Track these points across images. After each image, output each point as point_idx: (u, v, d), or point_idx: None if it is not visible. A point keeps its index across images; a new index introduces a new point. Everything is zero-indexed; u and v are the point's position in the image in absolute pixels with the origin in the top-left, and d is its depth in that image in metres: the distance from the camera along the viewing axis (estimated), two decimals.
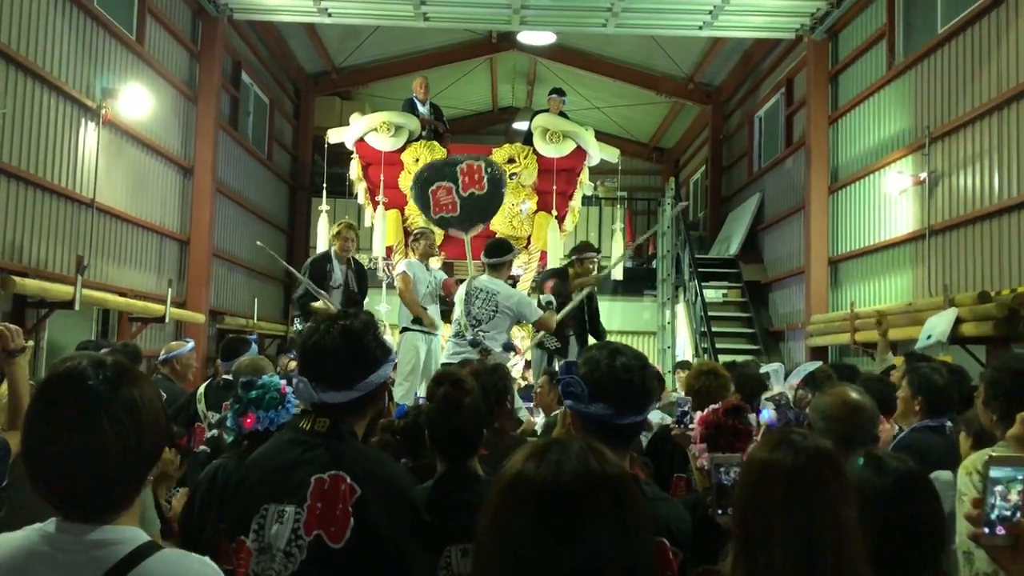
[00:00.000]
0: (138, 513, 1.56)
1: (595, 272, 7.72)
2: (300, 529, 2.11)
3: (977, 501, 1.61)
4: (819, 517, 1.63)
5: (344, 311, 2.40)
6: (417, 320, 7.33)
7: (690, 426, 2.96)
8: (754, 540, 1.67)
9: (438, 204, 7.83)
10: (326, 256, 7.74)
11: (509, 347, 7.23)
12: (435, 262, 8.34)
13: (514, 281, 8.78)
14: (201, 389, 5.49)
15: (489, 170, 7.91)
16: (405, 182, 9.05)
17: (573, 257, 7.88)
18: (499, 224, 9.42)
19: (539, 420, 5.75)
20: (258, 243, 7.80)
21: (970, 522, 1.62)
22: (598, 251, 8.04)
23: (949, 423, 3.81)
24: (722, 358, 10.07)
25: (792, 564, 1.62)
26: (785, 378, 3.64)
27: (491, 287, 6.48)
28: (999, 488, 1.59)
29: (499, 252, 6.57)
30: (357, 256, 8.04)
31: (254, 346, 6.09)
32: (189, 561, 1.51)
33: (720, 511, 2.23)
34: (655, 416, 5.10)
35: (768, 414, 3.50)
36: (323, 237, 9.80)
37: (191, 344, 6.24)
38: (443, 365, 6.00)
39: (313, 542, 2.10)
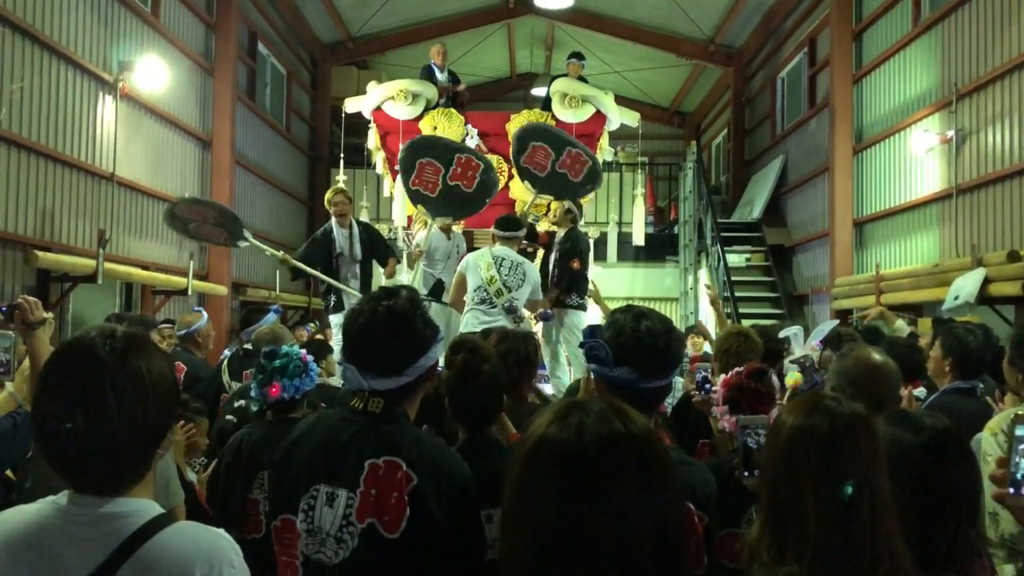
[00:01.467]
0: (151, 485, 1.54)
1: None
2: (352, 515, 2.04)
3: (1003, 461, 1.57)
4: (855, 485, 1.60)
5: (387, 288, 2.25)
6: (436, 291, 7.33)
7: (712, 390, 2.92)
8: (785, 507, 1.64)
9: (420, 177, 7.70)
10: (329, 229, 7.74)
11: (546, 316, 7.19)
12: (457, 228, 8.32)
13: (536, 249, 8.77)
14: (225, 361, 5.54)
15: (485, 173, 7.78)
16: None
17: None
18: (518, 191, 9.37)
19: (547, 388, 5.76)
20: (279, 259, 7.56)
21: (994, 482, 1.59)
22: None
23: (981, 385, 3.75)
24: (745, 322, 9.99)
25: (825, 532, 1.59)
26: (804, 340, 3.59)
27: (515, 256, 6.54)
28: None
29: (512, 227, 6.81)
30: (375, 224, 8.04)
31: (274, 315, 6.10)
32: (203, 533, 1.50)
33: (747, 473, 2.20)
34: (677, 383, 5.07)
35: (794, 376, 3.46)
36: None
37: (205, 315, 6.25)
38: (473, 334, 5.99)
39: (366, 530, 2.03)
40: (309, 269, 7.59)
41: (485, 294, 6.41)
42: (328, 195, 7.83)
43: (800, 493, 1.62)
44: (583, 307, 7.40)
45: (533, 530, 1.29)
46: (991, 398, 3.61)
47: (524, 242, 7.92)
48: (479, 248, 7.37)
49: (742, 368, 2.79)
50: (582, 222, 8.65)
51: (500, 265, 6.45)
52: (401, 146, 8.12)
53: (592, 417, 1.33)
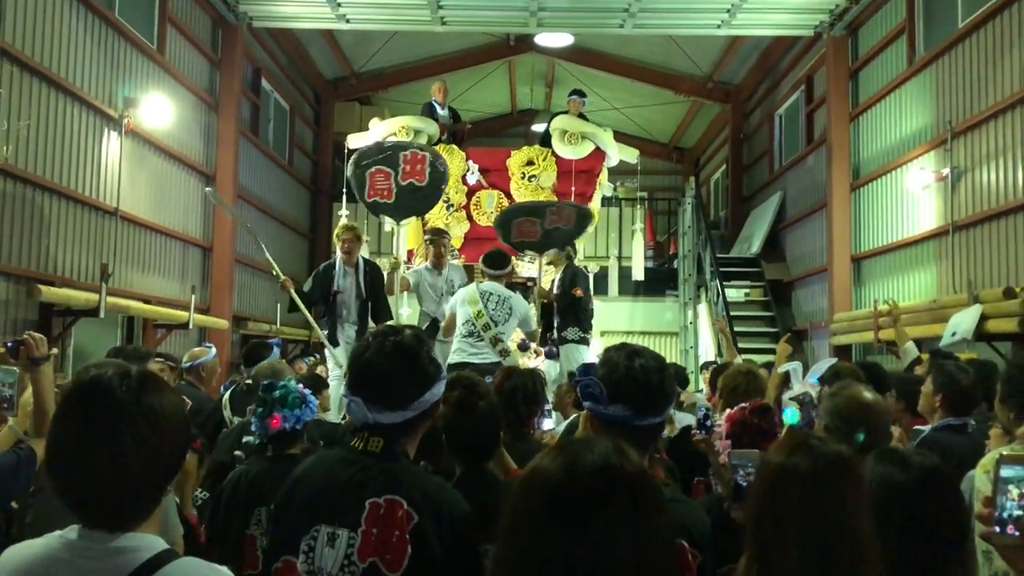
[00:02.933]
0: (158, 521, 1.58)
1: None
2: (354, 555, 2.04)
3: (988, 500, 1.60)
4: (835, 523, 1.63)
5: (392, 326, 2.31)
6: (433, 329, 7.37)
7: (715, 428, 2.95)
8: (769, 543, 1.68)
9: (373, 188, 7.69)
10: (332, 264, 7.58)
11: (524, 346, 7.34)
12: (456, 262, 8.38)
13: (532, 282, 8.85)
14: (226, 395, 5.54)
15: (433, 162, 7.79)
16: None
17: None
18: None
19: (549, 422, 5.79)
20: (280, 281, 7.36)
21: (981, 521, 1.61)
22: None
23: (972, 422, 3.77)
24: (745, 357, 9.99)
25: (808, 569, 1.62)
26: (803, 376, 3.62)
27: (502, 291, 6.69)
28: (1011, 487, 1.58)
29: (500, 265, 6.94)
30: (376, 259, 8.03)
31: (276, 350, 6.12)
32: (205, 570, 1.53)
33: (736, 505, 2.23)
34: (679, 416, 5.09)
35: (793, 413, 3.48)
36: None
37: (214, 350, 6.28)
38: (456, 366, 6.06)
39: (368, 569, 2.03)
40: (301, 304, 7.37)
41: (473, 327, 6.56)
42: (337, 231, 7.66)
43: (783, 530, 1.65)
44: (585, 341, 7.45)
45: (522, 559, 1.31)
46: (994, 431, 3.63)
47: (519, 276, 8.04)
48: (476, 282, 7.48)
49: (746, 404, 2.82)
50: (580, 257, 8.73)
51: (487, 300, 6.58)
52: (348, 163, 8.09)
53: (592, 451, 1.35)
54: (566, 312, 7.45)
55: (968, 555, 2.07)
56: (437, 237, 7.91)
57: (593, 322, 7.79)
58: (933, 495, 1.90)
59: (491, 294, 6.63)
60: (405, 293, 8.09)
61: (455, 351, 6.59)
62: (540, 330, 7.48)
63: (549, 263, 7.93)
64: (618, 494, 1.31)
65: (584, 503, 1.29)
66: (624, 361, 2.21)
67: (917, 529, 1.85)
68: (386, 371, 2.16)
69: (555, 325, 7.54)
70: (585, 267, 8.54)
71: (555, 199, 9.64)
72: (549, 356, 7.70)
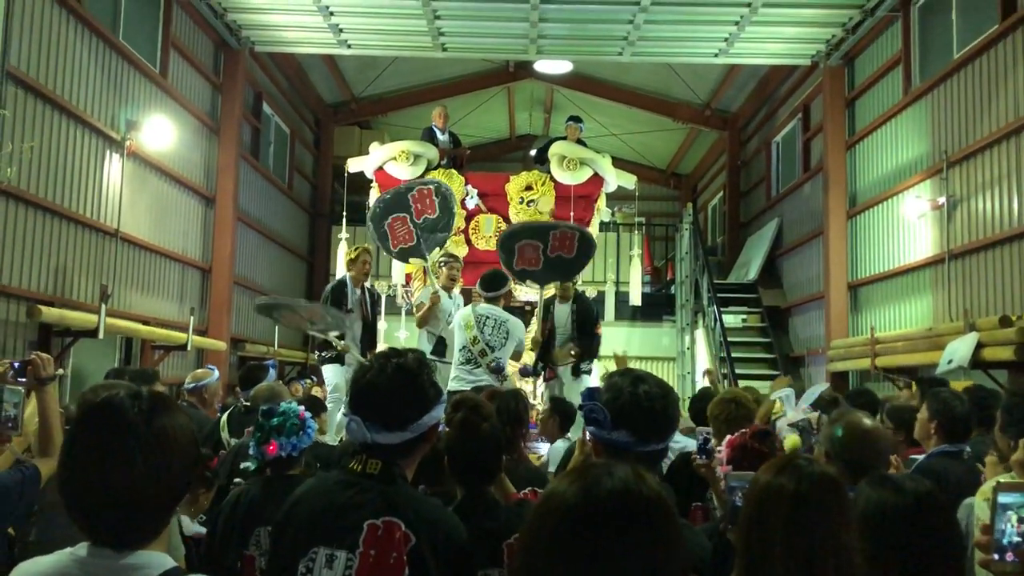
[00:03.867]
0: (167, 540, 1.60)
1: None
2: None
3: (987, 527, 1.62)
4: (820, 541, 1.66)
5: (395, 349, 2.33)
6: (439, 351, 7.38)
7: (715, 453, 2.96)
8: (757, 560, 1.71)
9: (396, 237, 7.83)
10: (342, 282, 7.70)
11: (526, 372, 7.35)
12: (456, 287, 8.42)
13: (532, 307, 8.87)
14: (224, 417, 5.54)
15: (437, 189, 7.89)
16: None
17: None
18: None
19: (542, 448, 5.79)
20: (340, 348, 7.26)
21: (980, 548, 1.63)
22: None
23: (968, 449, 3.80)
24: (742, 383, 10.03)
25: None
26: (796, 402, 3.65)
27: (499, 315, 6.68)
28: (1009, 514, 1.60)
29: (496, 286, 6.94)
30: (374, 283, 8.08)
31: (272, 371, 6.13)
32: None
33: (731, 527, 2.25)
34: (679, 440, 5.10)
35: (792, 440, 3.50)
36: (343, 264, 9.87)
37: (217, 373, 6.28)
38: (455, 393, 6.06)
39: None
40: (353, 348, 7.38)
41: (470, 354, 6.56)
42: (352, 254, 7.70)
43: (769, 549, 1.68)
44: (588, 372, 7.48)
45: None
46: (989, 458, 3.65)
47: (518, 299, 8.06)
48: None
49: (746, 429, 2.84)
50: (579, 281, 8.76)
51: (484, 325, 6.57)
52: (368, 225, 8.21)
53: (613, 476, 1.34)
54: (586, 343, 7.48)
55: None
56: (452, 260, 7.98)
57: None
58: (927, 520, 1.92)
59: (487, 318, 6.64)
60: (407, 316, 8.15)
61: (453, 378, 6.58)
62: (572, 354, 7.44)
63: (561, 296, 7.84)
64: (636, 520, 1.30)
65: (602, 528, 1.28)
66: (628, 387, 2.23)
67: (912, 554, 1.87)
68: (387, 391, 2.17)
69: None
70: (583, 291, 8.57)
71: None
72: (524, 374, 7.77)
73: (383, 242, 7.91)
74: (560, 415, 5.43)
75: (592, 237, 8.13)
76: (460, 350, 6.65)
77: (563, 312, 7.70)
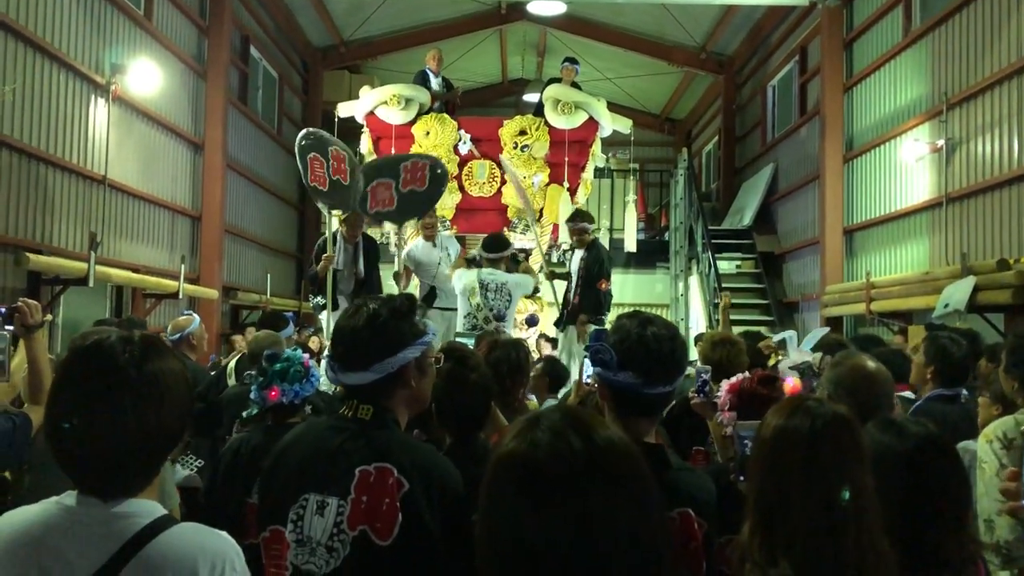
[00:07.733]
0: (157, 488, 1.56)
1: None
2: (343, 523, 2.01)
3: (1014, 474, 1.59)
4: (836, 478, 1.64)
5: (391, 295, 2.28)
6: (430, 297, 7.35)
7: (714, 395, 2.92)
8: (772, 507, 1.68)
9: (375, 199, 7.66)
10: (335, 237, 7.49)
11: (533, 321, 7.33)
12: (448, 233, 8.35)
13: (526, 254, 8.78)
14: (232, 364, 5.52)
15: (434, 170, 7.76)
16: None
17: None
18: (510, 196, 9.40)
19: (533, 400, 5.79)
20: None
21: (1006, 496, 1.60)
22: (591, 220, 7.88)
23: (965, 392, 3.78)
24: (736, 329, 10.01)
25: (812, 529, 1.62)
26: (798, 344, 3.62)
27: (499, 277, 6.76)
28: None
29: (498, 248, 6.95)
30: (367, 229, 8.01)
31: (291, 325, 6.09)
32: (206, 534, 1.51)
33: (742, 477, 2.21)
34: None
35: (792, 383, 3.47)
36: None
37: (197, 318, 6.11)
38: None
39: (358, 538, 2.00)
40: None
41: (475, 320, 6.54)
42: (344, 216, 7.55)
43: (785, 493, 1.66)
44: (601, 323, 7.39)
45: (497, 544, 1.28)
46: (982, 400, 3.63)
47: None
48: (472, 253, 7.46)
49: (752, 374, 2.80)
50: (599, 228, 8.50)
51: (486, 290, 6.57)
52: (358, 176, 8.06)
53: (545, 430, 1.27)
54: (588, 297, 7.34)
55: (969, 522, 2.06)
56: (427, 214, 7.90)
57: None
58: (933, 463, 1.90)
59: (489, 283, 6.65)
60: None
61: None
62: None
63: (578, 242, 7.65)
64: (585, 474, 1.23)
65: (549, 486, 1.23)
66: (636, 328, 2.18)
67: (916, 495, 1.85)
68: (350, 332, 2.14)
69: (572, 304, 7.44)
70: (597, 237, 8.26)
71: (548, 169, 9.62)
72: (529, 323, 7.73)
73: (361, 203, 7.78)
74: (551, 376, 5.40)
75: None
76: (464, 317, 6.67)
77: (576, 260, 7.53)
